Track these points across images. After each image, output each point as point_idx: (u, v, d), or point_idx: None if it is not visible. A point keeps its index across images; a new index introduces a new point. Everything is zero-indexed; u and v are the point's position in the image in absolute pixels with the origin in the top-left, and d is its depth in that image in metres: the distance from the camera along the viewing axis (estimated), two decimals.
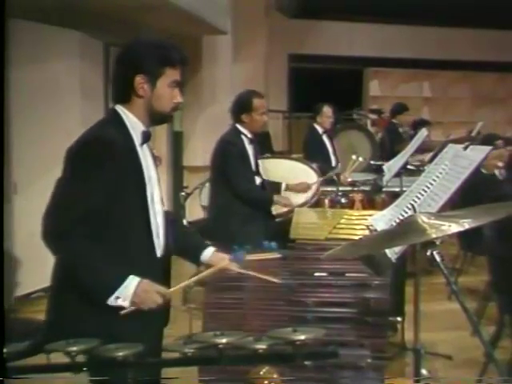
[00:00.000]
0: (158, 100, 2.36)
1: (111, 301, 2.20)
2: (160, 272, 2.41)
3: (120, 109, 2.39)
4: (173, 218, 2.70)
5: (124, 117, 2.37)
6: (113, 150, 2.26)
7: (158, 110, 2.38)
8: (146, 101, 2.36)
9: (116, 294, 2.20)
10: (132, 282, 2.23)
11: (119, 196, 2.28)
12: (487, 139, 5.77)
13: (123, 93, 2.38)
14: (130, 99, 2.37)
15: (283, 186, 4.84)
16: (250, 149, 4.61)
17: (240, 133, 4.59)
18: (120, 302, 2.20)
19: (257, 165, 4.67)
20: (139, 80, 2.33)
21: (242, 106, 4.58)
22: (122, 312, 2.19)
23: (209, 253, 2.67)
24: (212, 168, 4.73)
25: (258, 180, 4.65)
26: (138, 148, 2.38)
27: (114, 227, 2.29)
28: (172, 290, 2.38)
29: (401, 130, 8.45)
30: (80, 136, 2.35)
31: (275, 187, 4.83)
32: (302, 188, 5.00)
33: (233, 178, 4.52)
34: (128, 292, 2.21)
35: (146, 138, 2.42)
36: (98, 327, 2.09)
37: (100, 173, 2.24)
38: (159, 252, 2.44)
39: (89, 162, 2.25)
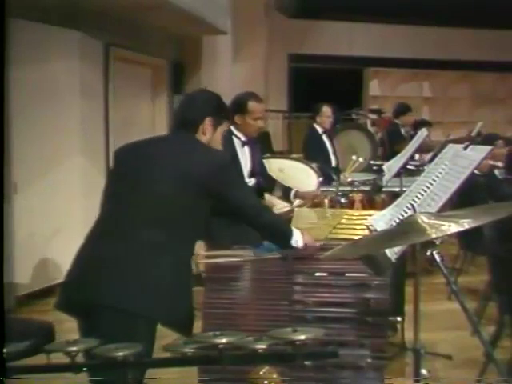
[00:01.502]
0: (215, 143, 2.86)
1: (294, 242, 2.90)
2: None
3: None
4: None
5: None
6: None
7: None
8: (206, 139, 2.82)
9: (295, 238, 2.90)
10: (297, 232, 2.93)
11: None
12: (487, 139, 5.78)
13: (193, 125, 2.81)
14: (196, 133, 2.81)
15: (292, 193, 4.72)
16: (243, 152, 4.44)
17: (232, 135, 4.40)
18: (299, 243, 2.90)
19: (254, 165, 4.57)
20: (208, 121, 2.81)
21: (235, 107, 4.37)
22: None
23: None
24: None
25: (252, 181, 4.57)
26: None
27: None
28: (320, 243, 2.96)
29: (403, 130, 8.45)
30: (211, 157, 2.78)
31: (285, 195, 4.74)
32: (311, 196, 4.84)
33: None
34: (300, 237, 2.91)
35: None
36: None
37: None
38: None
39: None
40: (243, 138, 4.43)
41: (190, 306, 2.66)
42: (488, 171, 5.36)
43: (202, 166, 2.66)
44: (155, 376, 1.85)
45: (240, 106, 4.37)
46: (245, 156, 4.47)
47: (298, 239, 2.91)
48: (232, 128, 4.41)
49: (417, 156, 7.61)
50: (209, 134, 2.82)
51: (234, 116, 4.36)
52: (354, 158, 6.01)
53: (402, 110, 8.60)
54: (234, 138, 4.40)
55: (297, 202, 4.66)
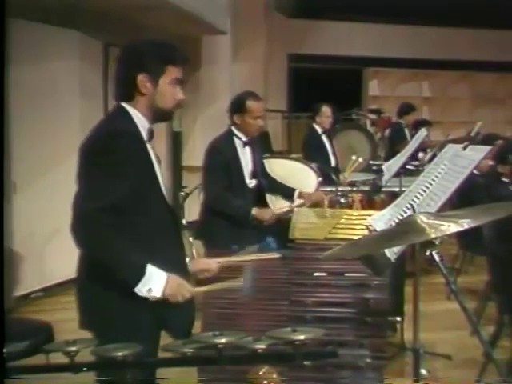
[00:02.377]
0: (161, 97, 2.43)
1: (142, 291, 2.26)
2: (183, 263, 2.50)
3: (126, 105, 2.44)
4: None
5: (131, 112, 2.43)
6: (132, 142, 2.34)
7: (161, 107, 2.46)
8: (148, 98, 2.42)
9: (148, 285, 2.25)
10: (162, 274, 2.29)
11: (139, 187, 2.34)
12: (487, 139, 5.78)
13: (126, 91, 2.43)
14: (133, 97, 2.43)
15: (296, 194, 4.69)
16: (244, 152, 4.43)
17: (233, 135, 4.40)
18: (152, 293, 2.26)
19: (255, 166, 4.57)
20: (142, 78, 2.40)
21: (234, 107, 4.38)
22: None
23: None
24: (202, 169, 4.65)
25: (253, 182, 4.57)
26: (147, 143, 2.46)
27: (135, 217, 2.35)
28: (197, 289, 2.40)
29: (406, 130, 8.45)
30: (94, 130, 2.41)
31: (288, 195, 4.72)
32: (316, 198, 4.71)
33: (206, 186, 4.44)
34: (161, 284, 2.27)
35: (152, 134, 2.49)
36: (125, 317, 2.23)
37: (124, 164, 2.29)
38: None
39: (112, 154, 2.29)
40: (244, 138, 4.41)
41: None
42: (487, 171, 5.36)
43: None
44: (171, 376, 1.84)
45: (238, 105, 4.35)
46: (246, 156, 4.45)
47: (155, 286, 2.28)
48: (232, 128, 4.41)
49: (420, 155, 7.62)
50: (148, 91, 2.41)
51: (233, 116, 4.37)
52: (353, 158, 6.02)
53: (406, 109, 8.59)
54: (235, 139, 4.40)
55: (297, 201, 4.64)
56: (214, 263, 2.65)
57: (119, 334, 1.93)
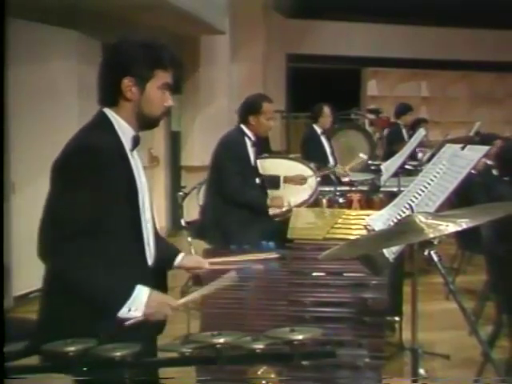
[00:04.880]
0: (148, 104, 2.24)
1: (123, 313, 2.12)
2: (152, 282, 2.27)
3: (108, 112, 2.26)
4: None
5: (113, 120, 2.25)
6: (105, 158, 2.14)
7: (148, 114, 2.27)
8: (134, 104, 2.24)
9: (127, 305, 2.12)
10: (142, 292, 2.15)
11: (113, 205, 2.18)
12: (486, 139, 5.78)
13: (110, 96, 2.25)
14: (117, 102, 2.25)
15: (281, 179, 4.90)
16: (251, 152, 4.63)
17: (244, 134, 4.61)
18: (132, 314, 2.12)
19: (256, 165, 4.71)
20: (127, 83, 2.21)
21: (251, 108, 4.61)
22: (128, 323, 2.11)
23: (179, 257, 2.61)
24: (211, 167, 4.73)
25: (258, 181, 4.67)
26: (129, 154, 2.27)
27: (108, 237, 2.17)
28: (181, 301, 2.28)
29: (404, 130, 8.45)
30: (68, 145, 2.23)
31: (274, 183, 4.87)
32: (299, 179, 5.05)
33: (227, 177, 4.54)
34: (140, 303, 2.14)
35: (136, 142, 2.31)
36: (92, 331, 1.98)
37: (95, 182, 2.12)
38: (150, 261, 2.35)
39: (82, 172, 2.12)
40: (253, 139, 4.62)
41: None
42: (484, 170, 5.36)
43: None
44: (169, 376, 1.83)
45: (255, 106, 4.60)
46: (253, 156, 4.66)
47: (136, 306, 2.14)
48: (243, 127, 4.56)
49: (420, 155, 7.63)
50: (134, 96, 2.22)
51: (248, 117, 4.59)
52: (361, 155, 6.09)
53: (403, 110, 8.60)
54: (246, 138, 4.57)
55: (292, 201, 4.77)
56: (205, 262, 2.60)
57: None
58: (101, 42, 6.55)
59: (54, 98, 5.87)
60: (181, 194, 5.97)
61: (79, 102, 6.05)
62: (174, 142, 8.74)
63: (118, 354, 1.56)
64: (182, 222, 5.63)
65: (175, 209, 6.76)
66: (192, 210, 5.79)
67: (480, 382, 3.55)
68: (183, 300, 2.30)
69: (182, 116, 8.75)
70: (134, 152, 2.31)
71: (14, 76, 5.06)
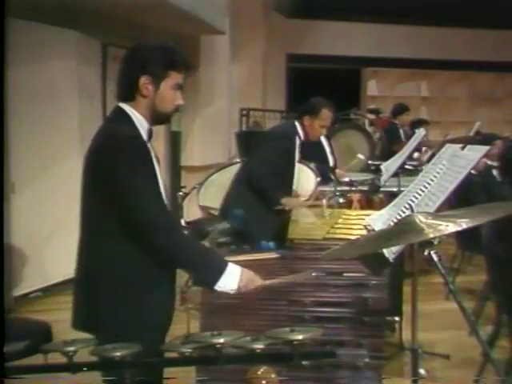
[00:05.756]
0: (161, 101, 2.45)
1: (220, 286, 2.36)
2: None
3: (125, 107, 2.46)
4: None
5: (130, 114, 2.45)
6: (142, 144, 2.39)
7: (160, 111, 2.47)
8: (149, 100, 2.44)
9: (223, 279, 2.36)
10: (235, 268, 2.40)
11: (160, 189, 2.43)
12: (486, 139, 5.78)
13: (128, 91, 2.45)
14: (134, 98, 2.45)
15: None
16: (297, 150, 4.58)
17: (296, 130, 4.56)
18: (229, 287, 2.37)
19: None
20: (144, 81, 2.42)
21: (309, 108, 4.58)
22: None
23: None
24: (261, 148, 4.62)
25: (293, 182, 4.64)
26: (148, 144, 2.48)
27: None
28: (266, 282, 2.49)
29: (401, 130, 8.45)
30: (104, 136, 2.42)
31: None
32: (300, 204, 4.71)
33: (258, 161, 4.44)
34: (235, 277, 2.38)
35: (151, 135, 2.51)
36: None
37: (144, 166, 2.36)
38: None
39: (137, 155, 2.34)
40: (302, 138, 4.58)
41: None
42: (484, 170, 5.36)
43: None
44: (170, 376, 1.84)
45: (314, 109, 4.56)
46: (297, 155, 4.62)
47: (229, 282, 2.39)
48: (297, 125, 4.49)
49: (416, 154, 7.62)
50: (150, 93, 2.42)
51: (304, 116, 4.55)
52: (359, 156, 6.08)
53: (400, 109, 8.61)
54: (297, 137, 4.54)
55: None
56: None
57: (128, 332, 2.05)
58: (101, 41, 6.56)
59: (54, 98, 5.88)
60: (181, 194, 5.97)
61: (79, 101, 6.06)
62: (174, 142, 8.73)
63: (118, 353, 1.56)
64: (182, 222, 5.63)
65: (175, 209, 6.76)
66: (192, 210, 5.79)
67: (480, 382, 3.55)
68: (268, 282, 2.51)
69: (182, 116, 8.74)
70: (149, 144, 2.50)
71: (13, 76, 5.06)
